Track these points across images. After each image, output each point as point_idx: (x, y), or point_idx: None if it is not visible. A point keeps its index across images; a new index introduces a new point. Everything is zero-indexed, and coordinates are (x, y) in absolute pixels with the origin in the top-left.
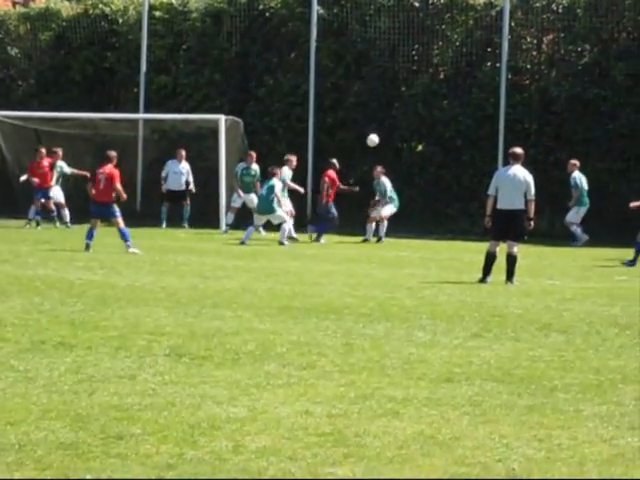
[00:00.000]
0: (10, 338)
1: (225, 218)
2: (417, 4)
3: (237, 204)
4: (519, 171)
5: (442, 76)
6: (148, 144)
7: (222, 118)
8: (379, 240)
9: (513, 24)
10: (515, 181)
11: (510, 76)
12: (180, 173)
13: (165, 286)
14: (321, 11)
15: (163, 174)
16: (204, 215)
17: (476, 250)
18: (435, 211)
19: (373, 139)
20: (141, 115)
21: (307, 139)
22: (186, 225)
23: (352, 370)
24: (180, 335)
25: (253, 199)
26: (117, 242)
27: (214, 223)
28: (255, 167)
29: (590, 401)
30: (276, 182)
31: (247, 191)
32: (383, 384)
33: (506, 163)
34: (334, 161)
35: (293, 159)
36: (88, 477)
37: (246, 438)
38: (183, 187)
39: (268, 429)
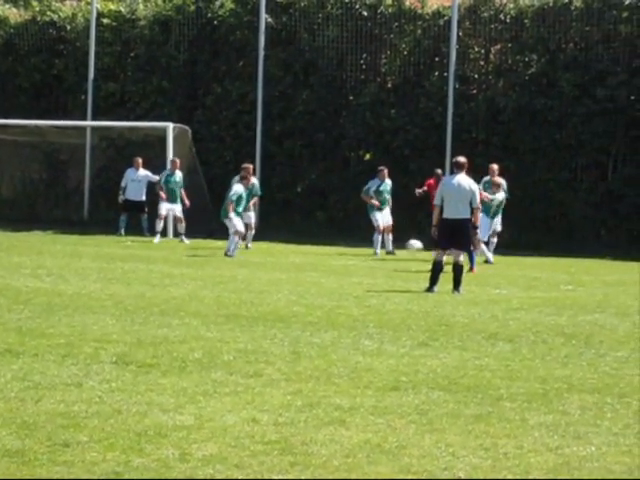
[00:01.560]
0: None
1: (157, 226)
2: (365, 13)
3: (163, 211)
4: (464, 180)
5: (390, 85)
6: (96, 152)
7: (170, 126)
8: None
9: (461, 34)
10: (460, 190)
11: (458, 85)
12: (138, 181)
13: (112, 294)
14: (269, 20)
15: (122, 183)
16: (150, 223)
17: (423, 259)
18: None
19: (414, 245)
20: (89, 122)
21: (255, 147)
22: (147, 234)
23: (299, 378)
24: (127, 343)
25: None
26: (64, 249)
27: (162, 231)
28: (179, 174)
29: (536, 410)
30: (237, 188)
31: (172, 198)
32: (330, 392)
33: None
34: (439, 172)
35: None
36: None
37: (193, 446)
38: (142, 197)
39: (215, 437)
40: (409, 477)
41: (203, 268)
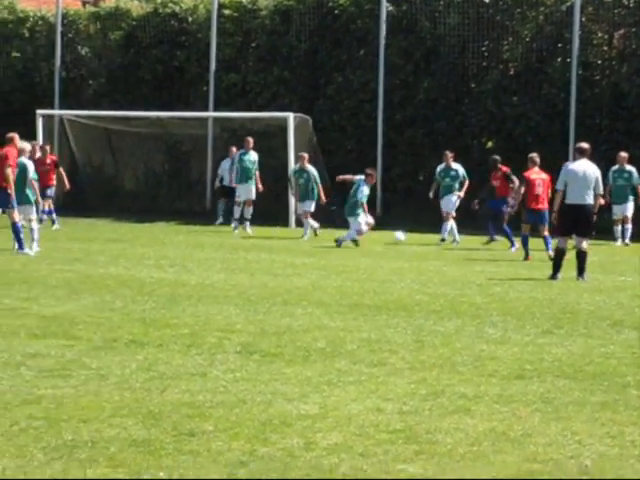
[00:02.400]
0: (82, 336)
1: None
2: (487, 0)
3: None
4: (588, 166)
5: (512, 72)
6: (217, 142)
7: (291, 116)
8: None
9: (584, 19)
10: (585, 176)
11: (581, 72)
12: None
13: (235, 284)
14: (390, 8)
15: (219, 171)
16: (273, 213)
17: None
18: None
19: (398, 237)
20: (210, 113)
21: (376, 136)
22: (248, 224)
23: (423, 367)
24: (251, 332)
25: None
26: (187, 239)
27: (283, 221)
28: (254, 154)
29: None
30: (365, 188)
31: (243, 178)
32: (454, 381)
33: (575, 158)
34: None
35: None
36: (161, 474)
37: (317, 435)
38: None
39: (339, 426)
40: (535, 466)
41: (326, 257)
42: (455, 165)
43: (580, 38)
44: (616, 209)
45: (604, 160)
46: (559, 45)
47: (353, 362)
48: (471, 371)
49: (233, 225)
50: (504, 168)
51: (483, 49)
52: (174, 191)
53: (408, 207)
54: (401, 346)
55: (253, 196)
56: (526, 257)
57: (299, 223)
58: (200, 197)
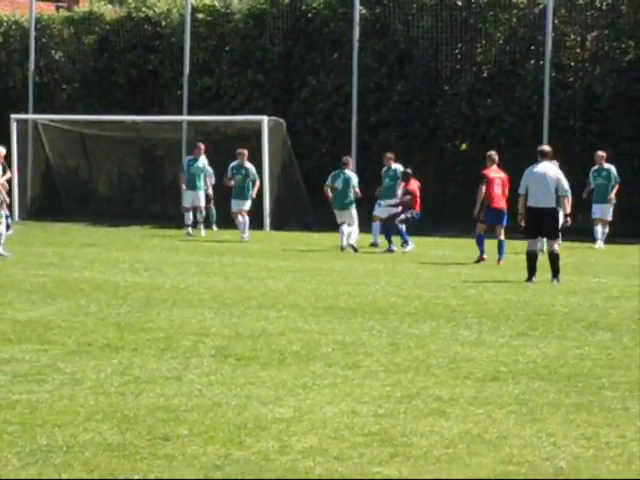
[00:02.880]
0: (57, 340)
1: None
2: (460, 3)
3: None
4: (549, 168)
5: (485, 74)
6: (192, 146)
7: (265, 119)
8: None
9: (556, 22)
10: (545, 179)
11: (554, 74)
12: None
13: (210, 287)
14: (363, 11)
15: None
16: (249, 216)
17: (521, 248)
18: None
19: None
20: (185, 117)
21: (350, 139)
22: (215, 228)
23: (398, 369)
24: (225, 336)
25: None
26: (162, 243)
27: (258, 224)
28: (203, 160)
29: (638, 399)
30: (351, 174)
31: (192, 185)
32: (429, 383)
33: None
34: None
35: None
36: (136, 478)
37: (292, 438)
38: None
39: (314, 429)
40: (510, 468)
41: (300, 261)
42: (395, 165)
43: (553, 40)
44: (595, 209)
45: (578, 162)
46: (532, 47)
47: (328, 365)
48: (446, 373)
49: (185, 232)
50: (410, 185)
51: (456, 52)
52: (149, 195)
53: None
54: (376, 349)
55: (201, 203)
56: (481, 258)
57: (274, 226)
58: (174, 201)
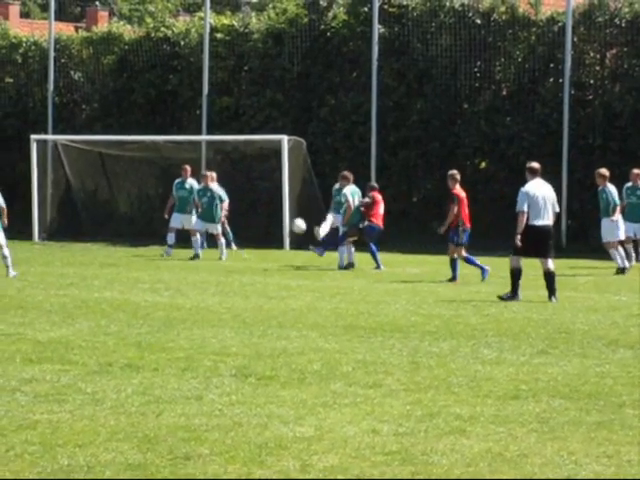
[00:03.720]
0: (77, 361)
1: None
2: (479, 21)
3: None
4: (546, 186)
5: (505, 93)
6: (211, 166)
7: (285, 138)
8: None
9: (576, 39)
10: (546, 197)
11: (573, 92)
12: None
13: (230, 307)
14: (382, 30)
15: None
16: (268, 235)
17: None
18: (499, 228)
19: (299, 225)
20: (204, 137)
21: (370, 158)
22: (234, 247)
23: (418, 388)
24: (246, 355)
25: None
26: (182, 263)
27: (278, 243)
28: (191, 182)
29: None
30: (347, 189)
31: (181, 208)
32: (450, 402)
33: (571, 179)
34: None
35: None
36: None
37: (313, 457)
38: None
39: (335, 448)
40: None
41: (320, 279)
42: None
43: (572, 58)
44: (629, 227)
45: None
46: (551, 65)
47: (348, 384)
48: (467, 392)
49: (164, 252)
50: (376, 195)
51: (475, 70)
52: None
53: (402, 228)
54: (396, 367)
55: (195, 226)
56: (453, 277)
57: (295, 245)
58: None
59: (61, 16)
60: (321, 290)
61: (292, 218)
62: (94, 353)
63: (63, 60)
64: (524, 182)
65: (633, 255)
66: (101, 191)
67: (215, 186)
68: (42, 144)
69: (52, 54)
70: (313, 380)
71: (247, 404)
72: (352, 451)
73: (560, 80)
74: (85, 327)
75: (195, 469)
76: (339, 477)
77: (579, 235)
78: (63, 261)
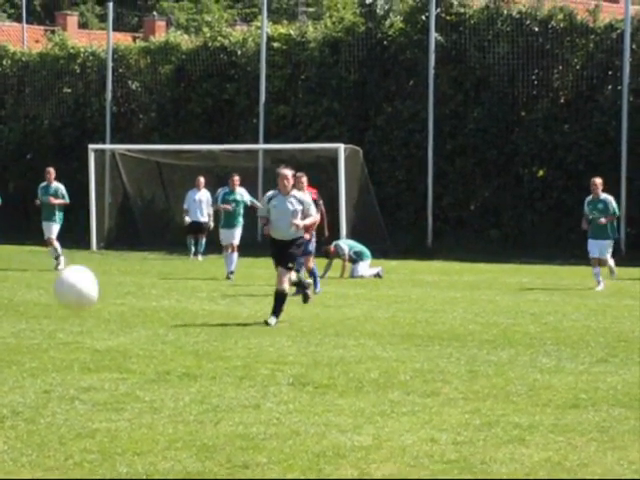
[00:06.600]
0: (135, 369)
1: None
2: (536, 29)
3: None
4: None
5: (562, 100)
6: (268, 174)
7: (341, 147)
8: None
9: (634, 46)
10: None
11: (632, 99)
12: (199, 201)
13: (287, 315)
14: (439, 38)
15: (185, 205)
16: (323, 244)
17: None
18: (558, 236)
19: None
20: (261, 145)
21: (427, 166)
22: (200, 257)
23: (477, 397)
24: (303, 364)
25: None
26: (239, 271)
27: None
28: (241, 191)
29: None
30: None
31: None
32: (508, 411)
33: (629, 187)
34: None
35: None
36: None
37: (371, 466)
38: (201, 218)
39: (393, 457)
40: None
41: (377, 288)
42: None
43: (631, 65)
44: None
45: None
46: (609, 73)
47: (406, 393)
48: (525, 401)
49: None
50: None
51: (533, 78)
52: None
53: (459, 236)
54: (454, 376)
55: (236, 241)
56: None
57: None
58: (250, 229)
59: (119, 26)
60: (378, 299)
61: (349, 226)
62: (152, 362)
63: (121, 70)
64: (582, 190)
65: None
66: (158, 200)
67: (242, 190)
68: (100, 154)
69: (110, 64)
70: (371, 389)
71: (305, 413)
72: (410, 460)
73: (618, 87)
74: (143, 336)
75: (253, 477)
76: None
77: (638, 243)
78: (121, 270)
